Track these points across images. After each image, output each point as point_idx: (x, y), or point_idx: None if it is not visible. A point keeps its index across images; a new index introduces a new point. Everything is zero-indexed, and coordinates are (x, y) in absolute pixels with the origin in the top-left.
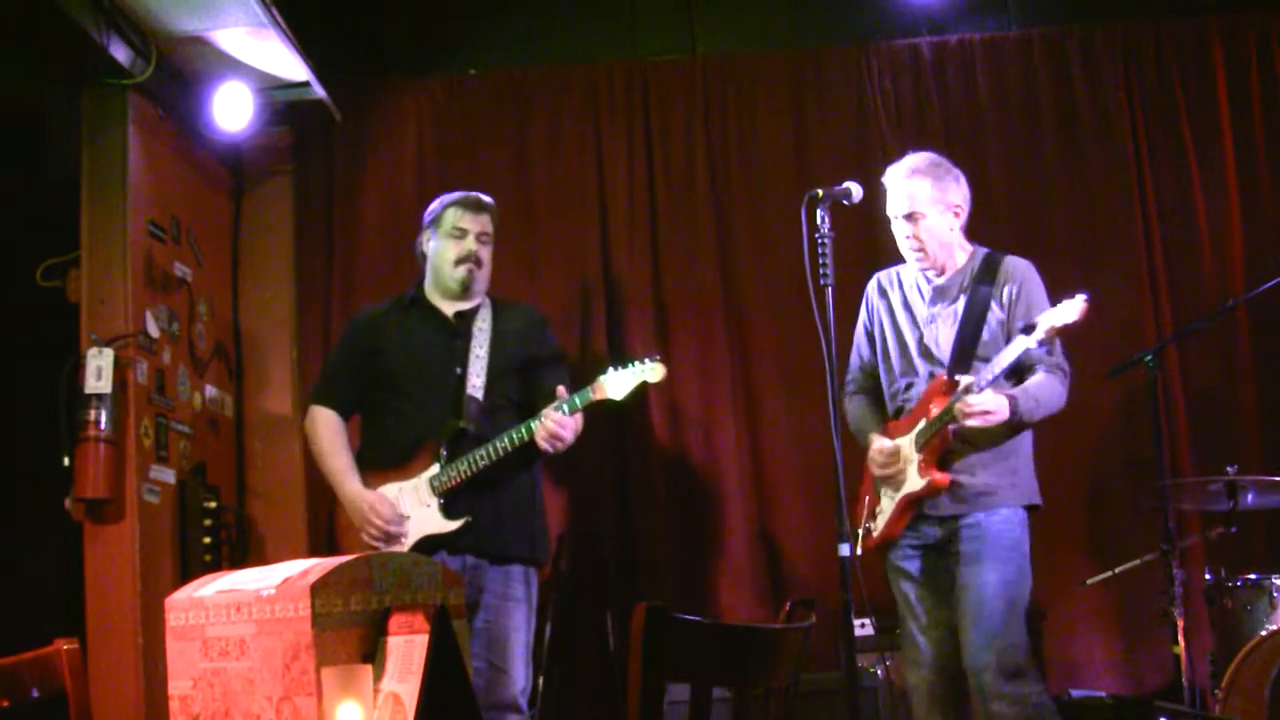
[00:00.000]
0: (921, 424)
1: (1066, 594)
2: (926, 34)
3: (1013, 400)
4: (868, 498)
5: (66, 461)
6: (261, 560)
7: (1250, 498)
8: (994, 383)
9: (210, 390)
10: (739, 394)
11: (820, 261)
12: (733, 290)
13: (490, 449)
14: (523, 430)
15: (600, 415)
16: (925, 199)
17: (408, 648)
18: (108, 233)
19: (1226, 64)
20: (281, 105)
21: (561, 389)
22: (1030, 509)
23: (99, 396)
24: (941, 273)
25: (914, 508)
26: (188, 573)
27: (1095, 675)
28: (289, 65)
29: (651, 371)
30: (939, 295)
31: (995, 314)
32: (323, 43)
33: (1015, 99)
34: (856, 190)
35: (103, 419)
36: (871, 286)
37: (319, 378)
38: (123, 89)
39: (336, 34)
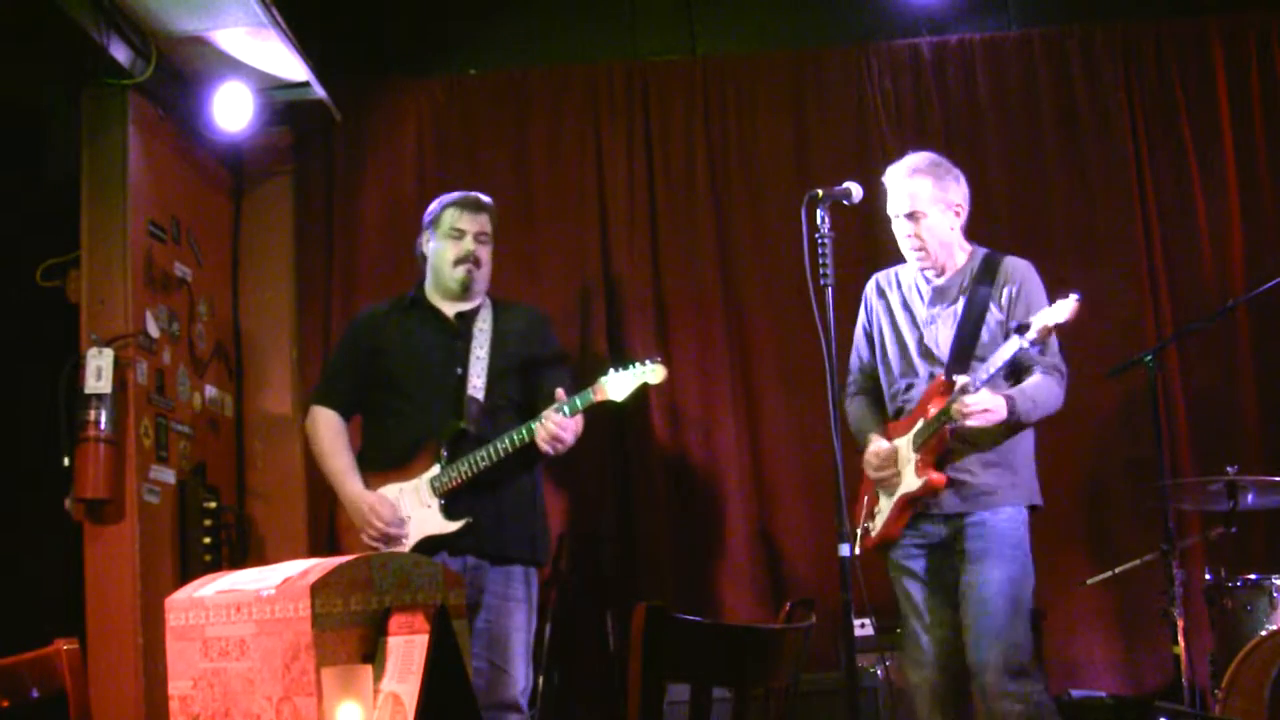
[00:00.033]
0: (920, 424)
1: (1066, 594)
2: (926, 34)
3: (1010, 400)
4: (866, 497)
5: (66, 462)
6: (261, 560)
7: (1250, 498)
8: (990, 382)
9: (210, 390)
10: (739, 394)
11: (820, 261)
12: (733, 290)
13: (491, 450)
14: (523, 432)
15: (601, 416)
16: (926, 198)
17: (408, 648)
18: (108, 233)
19: (1226, 64)
20: (281, 105)
21: (561, 391)
22: (1031, 509)
23: (99, 396)
24: (941, 272)
25: (912, 508)
26: (188, 573)
27: (1095, 675)
28: (289, 65)
29: (652, 373)
30: (938, 296)
31: (994, 314)
32: (323, 43)
33: (1015, 99)
34: (856, 190)
35: (103, 419)
36: (870, 288)
37: (319, 378)
38: (123, 89)
39: (336, 34)
